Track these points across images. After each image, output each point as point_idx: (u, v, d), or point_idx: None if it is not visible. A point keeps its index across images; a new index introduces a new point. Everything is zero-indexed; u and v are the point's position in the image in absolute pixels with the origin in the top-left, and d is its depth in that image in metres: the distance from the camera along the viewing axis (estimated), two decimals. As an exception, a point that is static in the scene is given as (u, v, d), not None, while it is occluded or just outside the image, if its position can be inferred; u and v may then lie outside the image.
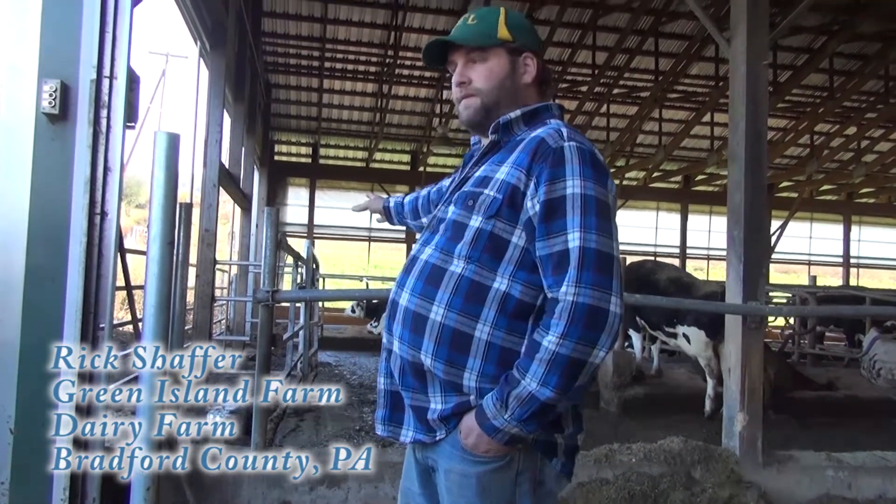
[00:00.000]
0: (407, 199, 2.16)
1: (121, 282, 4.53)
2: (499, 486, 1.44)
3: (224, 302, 10.67)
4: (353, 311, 11.97)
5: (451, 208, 1.54)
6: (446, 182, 1.85)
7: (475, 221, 1.47)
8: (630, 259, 8.42)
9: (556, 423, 1.47)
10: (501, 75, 1.58)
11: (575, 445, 1.53)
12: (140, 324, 3.28)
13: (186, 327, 5.82)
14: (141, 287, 2.52)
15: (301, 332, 6.65)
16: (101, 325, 2.08)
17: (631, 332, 8.05)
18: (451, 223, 1.51)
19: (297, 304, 6.89)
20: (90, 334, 2.07)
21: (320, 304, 9.56)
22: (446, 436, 1.47)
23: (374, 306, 11.43)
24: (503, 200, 1.44)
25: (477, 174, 1.54)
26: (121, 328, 5.56)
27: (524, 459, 1.45)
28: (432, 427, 1.48)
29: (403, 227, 2.27)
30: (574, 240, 1.38)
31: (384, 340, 1.58)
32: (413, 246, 1.64)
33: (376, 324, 11.29)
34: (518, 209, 1.44)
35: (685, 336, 6.54)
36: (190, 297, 6.89)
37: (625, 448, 3.92)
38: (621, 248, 1.54)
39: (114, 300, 2.13)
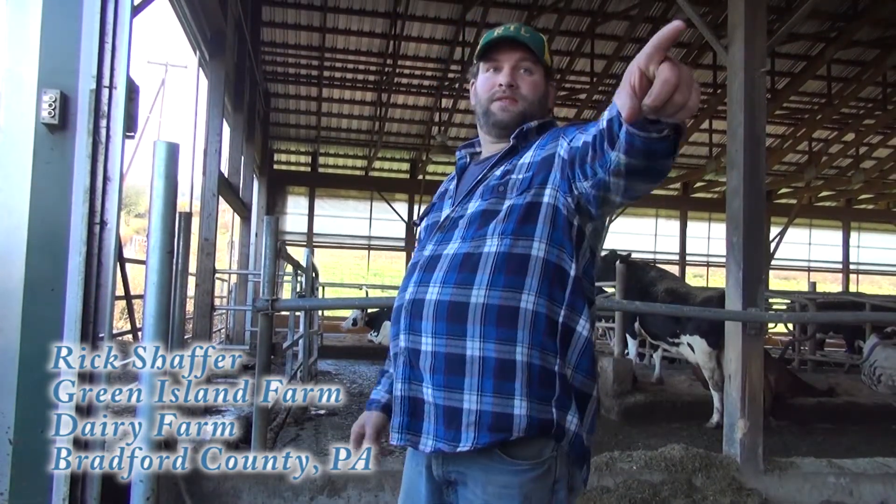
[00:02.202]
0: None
1: (120, 291, 4.53)
2: (539, 494, 1.42)
3: (224, 311, 10.66)
4: (354, 323, 11.96)
5: (474, 203, 1.54)
6: None
7: (508, 202, 1.49)
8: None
9: (583, 399, 1.46)
10: (541, 93, 1.66)
11: (589, 449, 1.52)
12: (140, 333, 3.28)
13: (186, 336, 5.80)
14: (140, 296, 2.53)
15: (301, 341, 6.63)
16: (101, 335, 2.08)
17: (627, 338, 8.04)
18: (479, 213, 1.51)
19: (297, 313, 6.88)
20: (90, 343, 2.07)
21: (320, 312, 9.55)
22: (471, 446, 1.38)
23: (372, 317, 11.41)
24: (533, 175, 1.49)
25: (496, 173, 1.57)
26: (120, 337, 5.55)
27: (560, 466, 1.44)
28: (459, 433, 1.39)
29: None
30: None
31: (401, 345, 1.51)
32: (415, 253, 1.63)
33: (376, 334, 11.26)
34: (550, 169, 1.47)
35: (689, 346, 6.52)
36: (189, 306, 6.89)
37: (625, 456, 3.91)
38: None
39: (113, 309, 2.13)
